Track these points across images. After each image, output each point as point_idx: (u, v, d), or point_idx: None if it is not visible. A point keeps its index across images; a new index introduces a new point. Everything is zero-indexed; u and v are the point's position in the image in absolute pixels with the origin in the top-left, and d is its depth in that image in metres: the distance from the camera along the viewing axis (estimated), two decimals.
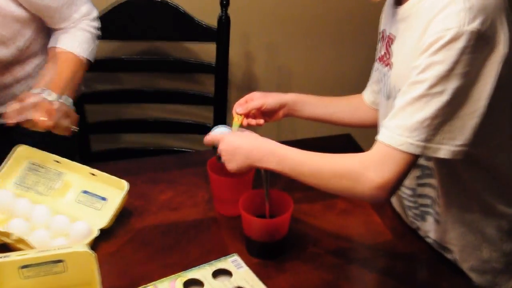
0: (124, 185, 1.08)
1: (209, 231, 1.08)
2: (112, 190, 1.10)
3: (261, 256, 1.02)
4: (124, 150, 1.71)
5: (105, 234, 1.05)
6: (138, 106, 1.72)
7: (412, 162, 0.86)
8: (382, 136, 0.87)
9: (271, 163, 0.94)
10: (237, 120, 1.10)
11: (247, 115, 1.11)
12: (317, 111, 1.16)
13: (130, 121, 1.67)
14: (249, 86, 1.86)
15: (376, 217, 1.12)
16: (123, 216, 1.10)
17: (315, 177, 0.90)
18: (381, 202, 0.89)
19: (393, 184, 0.85)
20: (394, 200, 1.13)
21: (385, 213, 1.13)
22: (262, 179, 1.02)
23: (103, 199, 1.10)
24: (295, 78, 1.89)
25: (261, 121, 1.13)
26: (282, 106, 1.13)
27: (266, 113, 1.14)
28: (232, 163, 0.97)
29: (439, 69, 0.81)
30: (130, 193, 1.09)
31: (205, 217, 1.12)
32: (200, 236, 1.07)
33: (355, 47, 1.85)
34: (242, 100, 1.12)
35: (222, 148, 0.99)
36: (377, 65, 1.09)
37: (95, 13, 1.25)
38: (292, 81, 1.89)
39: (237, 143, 0.98)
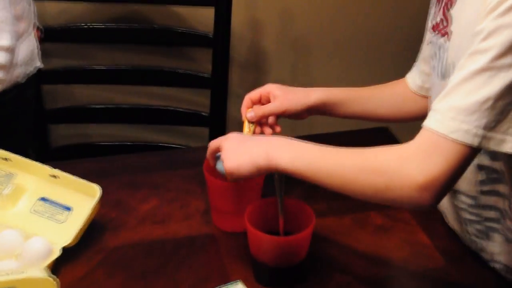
0: (95, 190, 1.08)
1: (205, 252, 1.08)
2: (80, 197, 1.10)
3: (273, 284, 1.01)
4: (94, 146, 1.71)
5: (69, 255, 1.04)
6: (112, 88, 1.72)
7: (468, 157, 0.83)
8: (429, 121, 0.84)
9: (282, 159, 0.92)
10: (248, 129, 1.11)
11: (260, 121, 1.12)
12: (355, 109, 1.16)
13: (102, 109, 1.67)
14: (256, 64, 1.85)
15: (423, 236, 1.12)
16: (93, 231, 1.09)
17: (337, 174, 0.88)
18: (424, 208, 0.86)
19: (440, 184, 0.82)
20: (448, 212, 1.12)
21: (435, 230, 1.13)
22: (275, 184, 1.01)
23: (67, 208, 1.10)
24: (314, 53, 1.88)
25: (278, 128, 1.13)
26: (308, 110, 1.14)
27: (286, 116, 1.14)
28: (231, 159, 0.95)
29: (509, 34, 0.79)
30: (102, 201, 1.09)
31: (200, 234, 1.11)
32: (193, 258, 1.07)
33: (386, 10, 1.85)
34: (254, 95, 1.12)
35: (225, 145, 0.97)
36: (429, 36, 1.07)
37: None
38: (311, 57, 1.88)
39: (245, 138, 0.97)
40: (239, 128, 1.13)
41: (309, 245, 1.02)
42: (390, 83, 1.19)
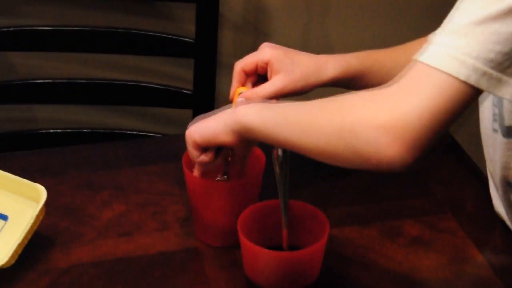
0: (39, 193, 1.08)
1: (186, 272, 1.09)
2: (19, 202, 1.10)
3: None
4: (39, 134, 1.71)
5: (5, 278, 1.05)
6: (62, 56, 1.73)
7: (463, 101, 0.85)
8: (421, 54, 0.87)
9: (248, 112, 0.98)
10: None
11: None
12: (374, 82, 1.14)
13: (50, 84, 1.67)
14: (255, 25, 1.86)
15: (474, 251, 1.12)
16: (37, 246, 1.10)
17: (304, 130, 0.93)
18: (398, 167, 0.87)
19: (414, 127, 0.83)
20: (508, 217, 1.13)
21: (491, 243, 1.14)
22: (277, 182, 1.02)
23: (3, 217, 1.11)
24: (333, 10, 1.88)
25: None
26: (319, 86, 1.14)
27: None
28: (194, 123, 1.05)
29: None
30: (49, 207, 1.09)
31: (179, 249, 1.12)
32: (171, 280, 1.07)
33: None
34: (248, 65, 1.12)
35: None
36: None
37: None
38: (328, 16, 1.89)
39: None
40: None
41: (322, 263, 1.02)
42: (413, 43, 1.20)
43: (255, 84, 1.13)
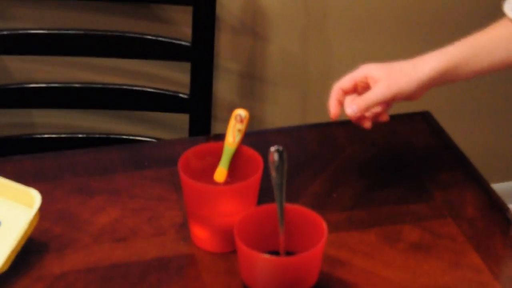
0: (33, 198, 1.09)
1: (182, 278, 1.09)
2: (12, 207, 1.10)
3: None
4: (33, 139, 1.71)
5: None
6: (58, 60, 1.73)
7: None
8: None
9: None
10: (230, 150, 1.13)
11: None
12: (481, 65, 1.18)
13: (45, 89, 1.67)
14: (252, 28, 1.87)
15: (475, 257, 1.12)
16: (31, 252, 1.10)
17: None
18: None
19: None
20: None
21: (492, 249, 1.13)
22: (274, 186, 1.02)
23: None
24: (332, 14, 1.88)
25: (386, 116, 1.19)
26: (424, 86, 1.16)
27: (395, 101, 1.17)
28: None
29: None
30: (44, 212, 1.10)
31: (175, 254, 1.12)
32: (167, 286, 1.07)
33: None
34: (347, 84, 1.14)
35: None
36: None
37: None
38: (327, 20, 1.89)
39: None
40: (229, 115, 1.13)
41: (320, 268, 1.02)
42: (500, 23, 1.20)
43: None
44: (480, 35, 1.18)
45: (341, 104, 1.14)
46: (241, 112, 1.12)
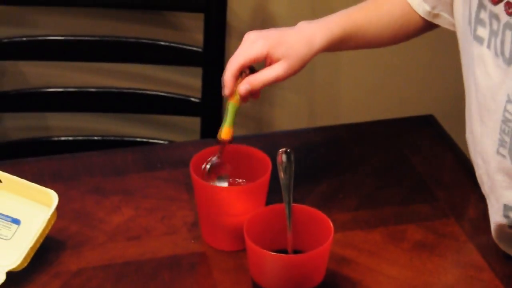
0: (51, 198, 1.09)
1: (194, 275, 1.10)
2: (31, 207, 1.11)
3: None
4: (50, 141, 1.72)
5: (17, 281, 1.06)
6: (72, 66, 1.74)
7: None
8: None
9: None
10: (233, 106, 1.11)
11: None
12: (357, 44, 1.22)
13: (60, 93, 1.68)
14: None
15: (477, 256, 1.13)
16: (48, 250, 1.11)
17: None
18: None
19: None
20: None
21: (494, 248, 1.13)
22: (282, 187, 1.03)
23: (15, 221, 1.12)
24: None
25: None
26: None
27: None
28: None
29: None
30: (60, 211, 1.10)
31: (186, 252, 1.13)
32: (179, 284, 1.08)
33: None
34: (247, 60, 1.11)
35: None
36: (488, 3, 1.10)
37: None
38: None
39: None
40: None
41: (326, 266, 1.03)
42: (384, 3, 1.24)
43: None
44: (359, 17, 1.20)
45: (236, 79, 1.11)
46: (246, 70, 1.11)
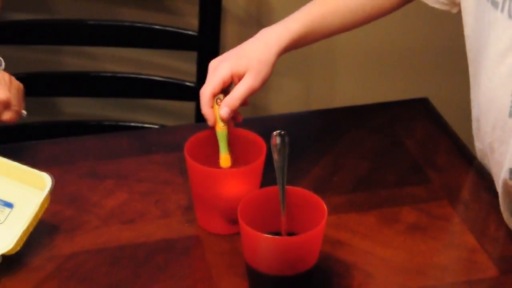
0: (44, 181, 1.09)
1: (188, 259, 1.10)
2: (24, 190, 1.11)
3: None
4: (45, 125, 1.72)
5: (11, 264, 1.06)
6: (63, 49, 1.75)
7: None
8: None
9: None
10: (222, 134, 1.12)
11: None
12: (323, 34, 1.23)
13: (51, 76, 1.68)
14: (258, 19, 1.87)
15: (470, 237, 1.13)
16: (42, 233, 1.11)
17: None
18: None
19: None
20: (503, 201, 1.14)
21: (487, 230, 1.14)
22: (276, 169, 1.03)
23: (8, 205, 1.12)
24: None
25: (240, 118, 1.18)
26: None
27: None
28: None
29: None
30: (54, 195, 1.10)
31: (180, 236, 1.13)
32: (172, 266, 1.08)
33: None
34: (216, 87, 1.12)
35: None
36: None
37: None
38: None
39: None
40: None
41: (320, 248, 1.03)
42: None
43: None
44: (321, 10, 1.22)
45: (213, 108, 1.12)
46: (220, 96, 1.12)
